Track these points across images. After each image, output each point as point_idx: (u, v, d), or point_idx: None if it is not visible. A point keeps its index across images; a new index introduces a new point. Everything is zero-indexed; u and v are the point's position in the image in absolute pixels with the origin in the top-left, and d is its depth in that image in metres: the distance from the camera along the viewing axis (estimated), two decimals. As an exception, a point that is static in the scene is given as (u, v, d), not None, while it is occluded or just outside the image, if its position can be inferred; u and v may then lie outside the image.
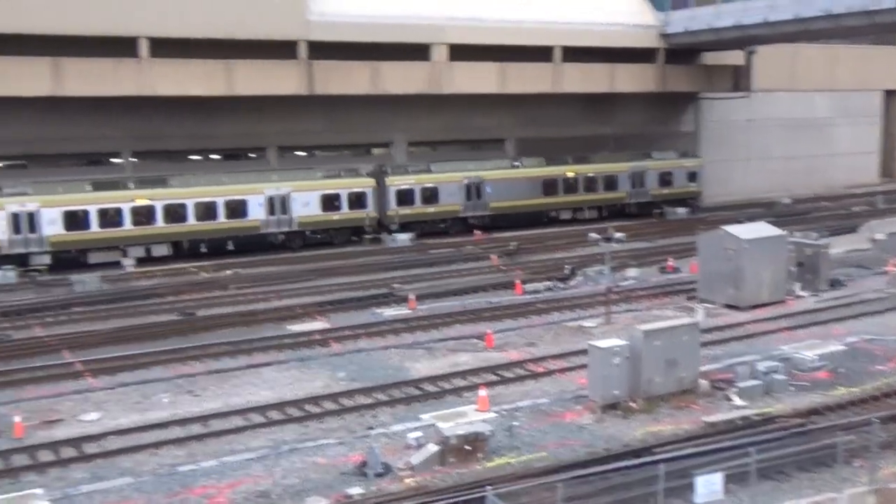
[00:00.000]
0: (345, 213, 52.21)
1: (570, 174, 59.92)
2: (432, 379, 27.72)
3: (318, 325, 34.92)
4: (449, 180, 55.54)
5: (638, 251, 48.90)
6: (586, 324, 34.26)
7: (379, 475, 20.49)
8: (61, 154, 50.35)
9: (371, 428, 23.87)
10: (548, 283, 41.16)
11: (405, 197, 54.14)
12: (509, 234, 54.24)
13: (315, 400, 25.97)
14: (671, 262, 44.53)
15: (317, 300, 38.72)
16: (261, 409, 25.30)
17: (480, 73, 56.78)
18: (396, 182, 53.90)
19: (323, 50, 51.55)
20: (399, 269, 45.40)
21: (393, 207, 53.74)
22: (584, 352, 26.37)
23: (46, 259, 45.58)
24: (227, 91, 49.51)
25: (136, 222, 47.06)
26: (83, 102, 47.32)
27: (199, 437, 23.27)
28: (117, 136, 51.00)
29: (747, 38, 60.76)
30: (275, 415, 24.91)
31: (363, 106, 55.69)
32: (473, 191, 56.27)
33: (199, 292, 40.59)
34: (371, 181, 53.43)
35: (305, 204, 50.72)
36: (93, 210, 46.14)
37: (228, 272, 44.74)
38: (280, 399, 26.17)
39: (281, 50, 50.59)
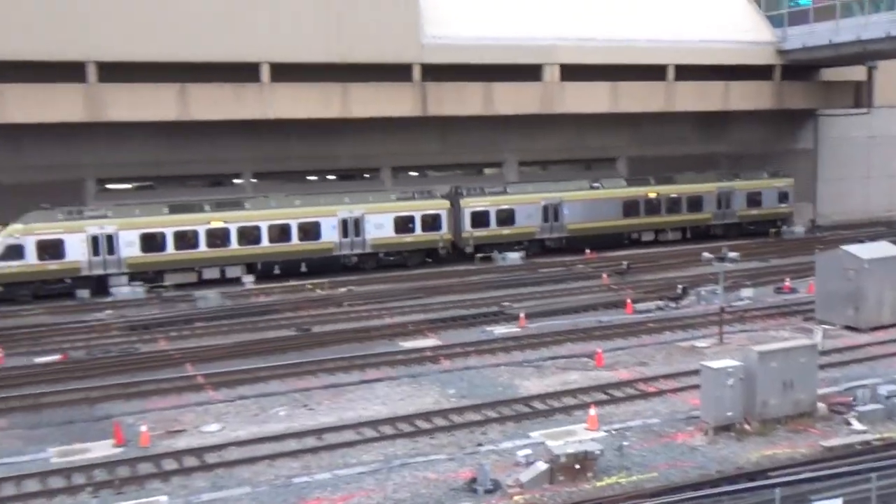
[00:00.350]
0: (418, 235, 51.38)
1: (652, 195, 57.84)
2: (542, 397, 27.52)
3: (429, 342, 35.07)
4: (526, 202, 54.25)
5: (752, 271, 47.52)
6: (699, 344, 33.52)
7: (488, 492, 20.44)
8: (186, 175, 52.05)
9: (480, 444, 23.84)
10: (659, 303, 40.45)
11: (480, 219, 52.97)
12: (621, 254, 53.50)
13: (426, 415, 26.08)
14: (788, 283, 43.24)
15: (428, 317, 38.92)
16: (373, 423, 25.54)
17: (592, 93, 56.29)
18: (471, 204, 52.73)
19: (436, 72, 52.05)
20: (509, 288, 45.28)
21: (467, 229, 52.53)
22: (696, 372, 25.71)
23: (124, 280, 46.07)
24: (344, 113, 50.43)
25: (210, 244, 47.28)
26: (207, 126, 48.96)
27: (313, 450, 23.63)
28: (238, 158, 52.49)
29: (868, 54, 58.37)
30: (387, 429, 25.11)
31: (476, 126, 55.80)
32: (551, 212, 54.89)
33: (315, 309, 41.34)
34: (445, 203, 52.44)
35: (378, 226, 50.25)
36: (169, 232, 46.49)
37: (343, 290, 45.42)
38: (392, 414, 26.34)
39: (395, 73, 51.30)
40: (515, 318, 37.96)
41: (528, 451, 22.32)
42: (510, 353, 33.03)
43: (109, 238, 45.41)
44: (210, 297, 42.26)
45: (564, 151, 60.55)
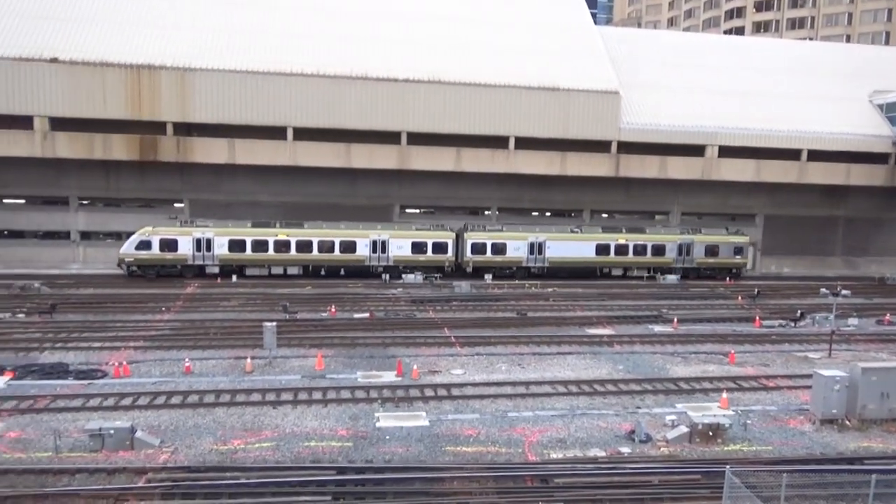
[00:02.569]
0: (429, 256, 47.32)
1: (622, 241, 49.97)
2: (686, 379, 25.62)
3: (606, 331, 33.78)
4: (516, 238, 48.44)
5: (859, 305, 41.95)
6: (811, 355, 29.95)
7: (642, 442, 19.26)
8: (455, 206, 53.27)
9: (639, 407, 22.55)
10: (782, 322, 36.59)
11: (478, 248, 48.14)
12: (753, 282, 49.04)
13: (601, 382, 25.04)
14: (888, 317, 37.77)
15: (607, 314, 37.47)
16: (563, 382, 24.86)
17: (741, 167, 52.06)
18: (473, 237, 48.09)
19: (627, 147, 50.37)
20: (667, 299, 42.72)
21: (468, 255, 48.13)
22: (808, 376, 23.01)
23: (216, 269, 45.14)
24: (561, 171, 49.77)
25: (276, 250, 45.43)
26: (471, 175, 49.99)
27: (522, 396, 23.30)
28: (489, 197, 53.14)
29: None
30: (572, 388, 24.34)
31: (651, 185, 53.33)
32: (536, 248, 48.68)
33: (530, 300, 40.97)
34: (451, 234, 48.01)
35: (399, 247, 46.92)
36: (248, 240, 45.15)
37: (550, 290, 44.77)
38: (577, 378, 25.55)
39: (597, 146, 50.09)
40: (670, 321, 35.72)
41: (673, 417, 20.82)
42: (664, 346, 31.10)
43: (208, 241, 44.76)
44: (463, 286, 42.84)
45: (715, 207, 56.40)
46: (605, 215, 55.96)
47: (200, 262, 44.94)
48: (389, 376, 24.96)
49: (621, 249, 49.87)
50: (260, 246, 45.24)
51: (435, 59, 49.48)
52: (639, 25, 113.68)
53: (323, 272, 46.63)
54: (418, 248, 47.25)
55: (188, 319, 32.99)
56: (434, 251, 47.46)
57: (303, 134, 46.55)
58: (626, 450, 18.78)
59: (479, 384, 24.31)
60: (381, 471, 16.88)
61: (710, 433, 19.26)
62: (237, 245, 44.99)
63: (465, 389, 23.73)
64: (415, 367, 25.40)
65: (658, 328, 34.63)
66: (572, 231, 50.09)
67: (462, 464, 17.44)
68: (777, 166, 52.68)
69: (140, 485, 15.79)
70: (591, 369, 26.91)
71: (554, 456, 18.37)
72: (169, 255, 44.41)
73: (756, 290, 44.73)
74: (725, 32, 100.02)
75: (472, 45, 51.67)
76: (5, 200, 47.58)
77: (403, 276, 45.90)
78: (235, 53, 46.55)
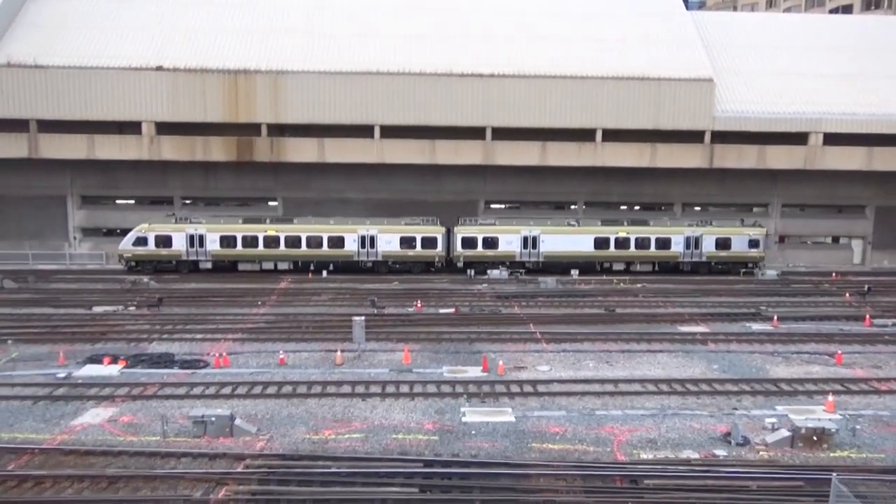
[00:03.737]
0: (418, 251, 46.15)
1: (622, 234, 46.99)
2: (788, 381, 24.31)
3: (699, 328, 32.47)
4: (508, 232, 46.52)
5: None
6: (931, 357, 27.70)
7: (739, 445, 18.45)
8: (542, 202, 52.60)
9: (735, 409, 21.59)
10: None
11: (469, 242, 46.37)
12: (864, 279, 45.82)
13: (694, 381, 24.16)
14: None
15: (700, 311, 36.04)
16: (654, 381, 24.16)
17: (849, 154, 48.56)
18: (463, 231, 46.46)
19: (721, 136, 48.18)
20: (766, 296, 40.51)
21: (459, 250, 46.47)
22: (928, 380, 21.28)
23: (209, 265, 45.71)
24: (651, 164, 48.26)
25: (266, 245, 45.48)
26: (556, 169, 49.30)
27: (610, 394, 22.84)
28: (575, 192, 52.17)
29: None
30: (663, 387, 23.61)
31: (748, 176, 50.78)
32: (529, 242, 46.52)
33: (618, 296, 40.00)
34: (441, 229, 46.55)
35: (388, 242, 45.93)
36: (239, 236, 45.42)
37: (638, 285, 43.54)
38: (668, 377, 24.77)
39: (688, 136, 48.17)
40: (770, 318, 33.93)
41: (773, 420, 19.78)
42: (763, 345, 29.59)
43: (201, 237, 45.35)
44: (549, 282, 42.37)
45: (819, 198, 53.04)
46: (697, 208, 53.87)
47: (194, 258, 45.75)
48: (475, 371, 25.05)
49: (622, 243, 47.02)
50: (250, 241, 45.46)
51: (519, 52, 49.10)
52: (734, 8, 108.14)
53: (312, 267, 46.40)
54: (407, 242, 46.21)
55: (282, 313, 34.34)
56: (423, 246, 46.28)
57: (389, 131, 47.38)
58: (721, 452, 18.04)
59: (565, 381, 24.00)
60: (468, 465, 16.98)
61: (815, 438, 18.19)
62: (228, 241, 45.44)
63: (552, 386, 23.50)
64: (500, 362, 25.37)
65: (756, 326, 32.97)
66: (569, 224, 48.09)
67: (549, 461, 17.29)
68: (890, 153, 48.85)
69: (239, 470, 16.61)
70: (684, 368, 25.99)
71: (644, 456, 17.90)
72: (164, 251, 45.52)
73: (866, 286, 41.79)
74: (831, 12, 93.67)
75: (556, 37, 50.93)
76: (118, 201, 51.17)
77: (489, 271, 45.87)
78: (325, 55, 47.97)
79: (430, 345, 28.81)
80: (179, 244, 45.44)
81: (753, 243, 48.04)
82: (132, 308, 35.40)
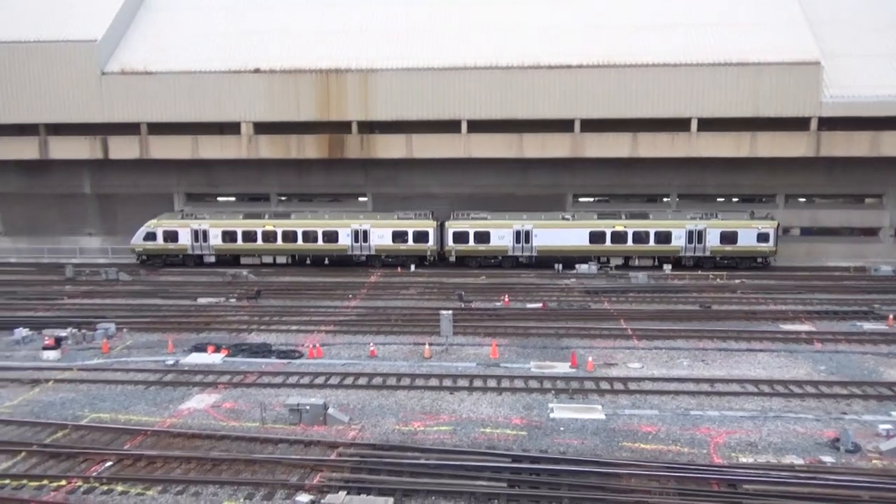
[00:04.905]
0: (410, 245, 46.39)
1: (619, 228, 45.03)
2: (905, 385, 22.57)
3: (804, 327, 30.65)
4: (500, 226, 45.89)
5: None
6: None
7: (849, 451, 17.29)
8: (632, 195, 51.17)
9: (845, 413, 20.26)
10: None
11: (460, 237, 46.02)
12: None
13: (798, 383, 22.85)
14: None
15: (806, 308, 34.06)
16: (754, 381, 23.04)
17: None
18: (454, 225, 46.20)
19: (829, 123, 45.05)
20: (880, 293, 37.78)
21: (450, 244, 46.12)
22: None
23: (212, 259, 47.69)
24: (750, 153, 45.85)
25: (264, 240, 47.11)
26: (648, 161, 47.86)
27: (706, 394, 21.98)
28: (667, 184, 50.43)
29: None
30: (765, 388, 22.50)
31: (861, 165, 47.22)
32: (522, 236, 45.58)
33: (714, 292, 38.38)
34: (432, 223, 46.53)
35: (381, 237, 46.44)
36: (239, 231, 47.15)
37: (737, 281, 41.60)
38: (770, 377, 23.56)
39: (791, 123, 45.40)
40: (885, 317, 31.57)
41: (888, 426, 18.44)
42: (877, 346, 27.60)
43: (204, 232, 47.36)
44: (640, 277, 41.24)
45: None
46: (802, 199, 50.84)
47: (199, 252, 48.02)
48: (563, 367, 24.74)
49: (619, 237, 45.45)
50: (249, 236, 47.33)
51: (608, 41, 47.88)
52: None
53: (308, 261, 47.84)
54: (399, 237, 46.68)
55: (372, 306, 35.16)
56: (415, 240, 46.61)
57: (475, 126, 47.43)
58: (828, 459, 16.98)
59: (658, 379, 23.30)
60: (556, 462, 16.81)
61: (937, 448, 16.79)
62: (229, 236, 47.46)
63: (643, 384, 22.87)
64: (589, 358, 24.93)
65: (869, 325, 30.79)
66: (563, 218, 46.56)
67: (641, 461, 16.84)
68: None
69: (332, 458, 17.16)
70: (787, 369, 24.64)
71: (743, 460, 17.11)
72: (171, 246, 47.87)
73: None
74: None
75: (647, 25, 49.33)
76: (219, 198, 53.93)
77: (577, 266, 45.12)
78: (412, 52, 48.56)
79: (517, 339, 28.69)
80: (185, 239, 47.84)
81: (763, 237, 45.13)
82: (233, 300, 37.22)
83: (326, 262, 47.74)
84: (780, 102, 44.93)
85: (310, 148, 48.55)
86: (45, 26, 50.44)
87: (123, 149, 49.49)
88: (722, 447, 17.89)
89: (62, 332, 28.50)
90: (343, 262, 47.51)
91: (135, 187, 52.94)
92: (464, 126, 47.34)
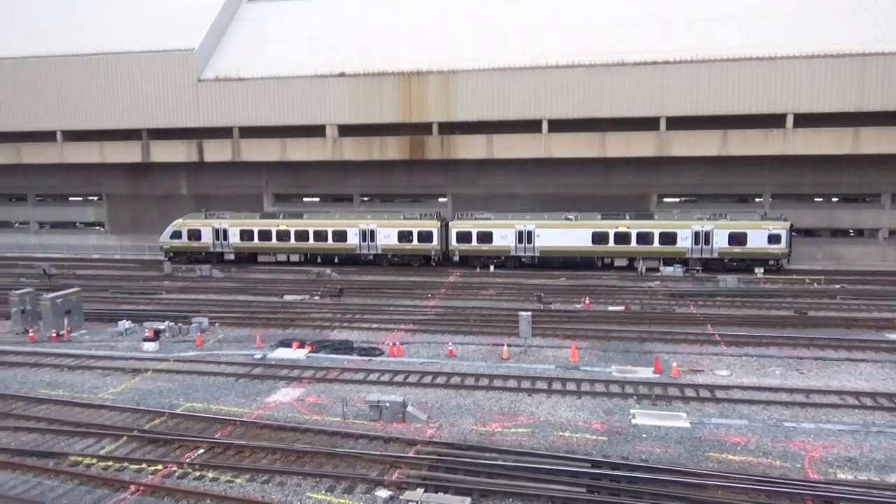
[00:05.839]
0: (415, 244, 47.22)
1: (623, 228, 43.77)
2: None
3: (913, 337, 28.55)
4: (502, 227, 45.99)
5: None
6: None
7: (964, 473, 15.88)
8: (721, 194, 49.32)
9: (959, 431, 18.66)
10: None
11: (463, 237, 46.42)
12: None
13: (906, 397, 21.28)
14: None
15: (914, 317, 31.71)
16: (855, 393, 21.62)
17: None
18: (458, 226, 46.67)
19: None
20: None
21: (454, 244, 46.49)
22: None
23: (231, 256, 49.97)
24: (852, 150, 43.10)
25: (279, 239, 48.86)
26: (738, 159, 45.89)
27: (801, 405, 20.77)
28: (760, 183, 48.16)
29: None
30: (867, 401, 21.05)
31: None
32: (525, 236, 45.36)
33: (811, 297, 36.36)
34: (436, 223, 47.14)
35: (387, 236, 47.43)
36: (255, 230, 49.17)
37: (836, 286, 39.20)
38: (873, 389, 22.01)
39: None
40: None
41: None
42: None
43: (224, 231, 49.66)
44: (729, 280, 39.52)
45: None
46: (910, 200, 47.36)
47: (219, 250, 50.36)
48: (646, 372, 24.06)
49: (622, 238, 44.33)
50: (265, 235, 49.26)
51: (693, 34, 46.27)
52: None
53: (319, 259, 49.46)
54: (404, 236, 47.49)
55: (451, 306, 35.36)
56: (420, 240, 47.28)
57: (557, 125, 46.86)
58: (940, 480, 15.69)
59: (748, 388, 22.25)
60: (638, 469, 16.35)
61: None
62: (246, 234, 49.58)
63: (732, 392, 21.90)
64: (674, 364, 24.11)
65: None
66: (566, 218, 45.74)
67: (728, 472, 16.13)
68: None
69: (411, 455, 17.37)
70: (893, 381, 22.97)
71: (842, 477, 16.08)
72: (195, 244, 50.42)
73: None
74: None
75: (735, 17, 47.27)
76: (304, 199, 55.72)
77: (661, 268, 43.77)
78: (493, 51, 48.54)
79: (598, 343, 28.13)
80: (207, 237, 50.35)
81: (774, 238, 43.02)
82: (317, 297, 38.35)
83: (336, 260, 49.37)
84: (887, 95, 42.01)
85: (391, 149, 49.38)
86: (146, 37, 53.69)
87: (217, 152, 52.00)
88: (818, 462, 16.88)
89: (160, 325, 30.22)
90: (351, 260, 49.00)
91: (227, 188, 55.50)
92: (545, 125, 46.88)
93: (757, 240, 43.12)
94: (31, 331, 30.63)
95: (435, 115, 48.28)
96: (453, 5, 53.78)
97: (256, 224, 49.58)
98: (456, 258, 47.19)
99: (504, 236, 46.09)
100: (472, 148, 48.35)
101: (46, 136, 54.80)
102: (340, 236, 48.33)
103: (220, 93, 51.09)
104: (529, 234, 45.69)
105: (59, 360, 26.83)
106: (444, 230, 47.65)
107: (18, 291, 32.10)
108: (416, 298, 37.73)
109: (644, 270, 44.08)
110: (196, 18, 54.82)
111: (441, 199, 53.28)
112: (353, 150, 50.00)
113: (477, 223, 46.68)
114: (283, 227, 49.01)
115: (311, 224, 48.82)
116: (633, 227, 44.34)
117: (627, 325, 30.94)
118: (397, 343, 27.84)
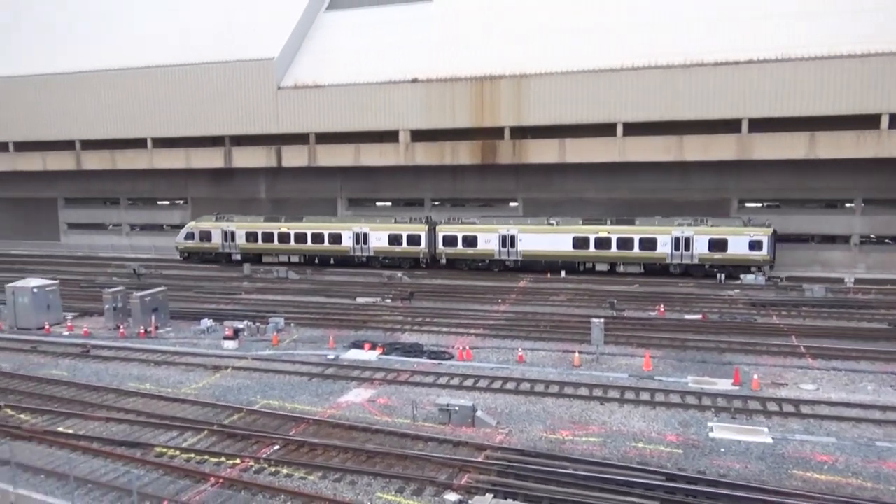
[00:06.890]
0: (405, 247, 48.54)
1: (603, 233, 43.44)
2: None
3: None
4: (486, 231, 46.68)
5: None
6: None
7: None
8: (808, 199, 46.94)
9: None
10: None
11: (450, 240, 47.42)
12: None
13: None
14: None
15: None
16: (958, 414, 20.12)
17: None
18: (444, 229, 47.68)
19: None
20: None
21: (441, 247, 47.60)
22: None
23: (238, 257, 52.03)
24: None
25: (280, 241, 51.00)
26: (827, 162, 43.60)
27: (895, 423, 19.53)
28: (852, 187, 45.45)
29: None
30: (971, 422, 19.54)
31: None
32: (508, 240, 45.73)
33: (907, 310, 34.16)
34: (424, 227, 48.23)
35: (378, 239, 48.88)
36: (259, 232, 51.40)
37: (937, 298, 36.67)
38: (978, 410, 20.41)
39: None
40: None
41: None
42: None
43: (232, 233, 52.02)
44: (816, 290, 37.60)
45: None
46: None
47: (228, 251, 52.60)
48: (725, 384, 23.15)
49: (602, 243, 44.27)
50: (268, 237, 51.47)
51: (776, 32, 44.38)
52: None
53: (317, 261, 51.23)
54: (394, 240, 48.82)
55: (521, 311, 35.12)
56: (409, 243, 48.51)
57: (631, 128, 45.85)
58: None
59: (836, 404, 21.05)
60: (715, 485, 15.74)
61: None
62: (252, 236, 51.86)
63: (818, 408, 20.77)
64: (755, 376, 23.10)
65: None
66: (549, 223, 46.06)
67: (814, 492, 15.30)
68: None
69: (480, 460, 17.33)
70: None
71: (942, 503, 14.98)
72: (206, 245, 53.10)
73: None
74: None
75: (824, 13, 44.93)
76: (377, 203, 56.69)
77: (742, 276, 42.04)
78: (565, 53, 48.02)
79: (673, 352, 27.31)
80: (217, 239, 52.79)
81: (755, 245, 42.08)
82: (388, 300, 38.88)
83: (332, 262, 50.84)
84: None
85: (463, 154, 49.58)
86: (229, 47, 56.01)
87: (294, 157, 53.64)
88: (915, 486, 15.80)
89: (239, 325, 31.39)
90: (346, 262, 50.51)
91: (303, 192, 57.13)
92: (619, 129, 45.97)
93: (738, 246, 42.34)
94: (121, 327, 32.43)
95: (507, 120, 48.16)
96: (523, 9, 53.53)
97: (260, 227, 51.98)
98: (443, 261, 48.31)
99: (488, 240, 46.88)
100: (543, 152, 47.95)
101: (138, 143, 58.00)
102: (336, 239, 50.19)
103: (297, 100, 52.70)
104: (512, 238, 46.17)
105: (146, 355, 28.28)
106: (432, 234, 48.62)
107: (111, 290, 34.04)
108: (487, 303, 37.67)
109: (723, 279, 42.49)
110: (276, 28, 56.80)
111: (512, 204, 53.07)
112: (424, 154, 50.48)
113: (462, 227, 47.80)
114: (284, 230, 51.30)
115: (309, 227, 50.90)
116: (613, 232, 44.20)
117: (705, 334, 29.89)
118: (467, 347, 27.87)
